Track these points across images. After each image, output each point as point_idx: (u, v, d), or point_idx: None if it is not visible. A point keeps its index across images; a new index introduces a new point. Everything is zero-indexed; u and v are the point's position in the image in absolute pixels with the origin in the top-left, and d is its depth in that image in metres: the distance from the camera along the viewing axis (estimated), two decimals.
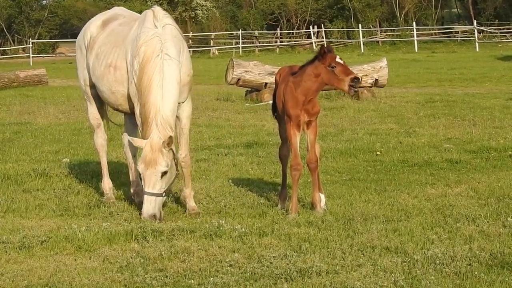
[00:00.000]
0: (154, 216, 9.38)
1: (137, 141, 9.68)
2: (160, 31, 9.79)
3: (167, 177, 9.52)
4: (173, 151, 9.53)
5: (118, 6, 11.57)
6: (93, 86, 10.70)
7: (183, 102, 9.98)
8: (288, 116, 9.39)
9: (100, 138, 11.10)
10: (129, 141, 10.05)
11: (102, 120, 11.15)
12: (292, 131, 9.39)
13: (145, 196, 9.47)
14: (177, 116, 10.01)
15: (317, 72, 9.16)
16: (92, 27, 10.84)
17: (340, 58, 9.11)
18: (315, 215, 9.31)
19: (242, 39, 68.32)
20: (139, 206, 10.12)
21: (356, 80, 8.95)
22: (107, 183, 10.93)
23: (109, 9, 11.53)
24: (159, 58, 9.60)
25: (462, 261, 7.45)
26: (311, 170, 9.57)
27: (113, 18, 10.84)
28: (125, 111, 10.46)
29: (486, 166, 12.65)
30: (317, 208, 9.54)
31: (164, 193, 9.55)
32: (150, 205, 9.42)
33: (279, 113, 9.84)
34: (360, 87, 9.19)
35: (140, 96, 9.64)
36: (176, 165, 9.67)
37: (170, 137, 9.39)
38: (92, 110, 11.04)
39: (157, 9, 10.16)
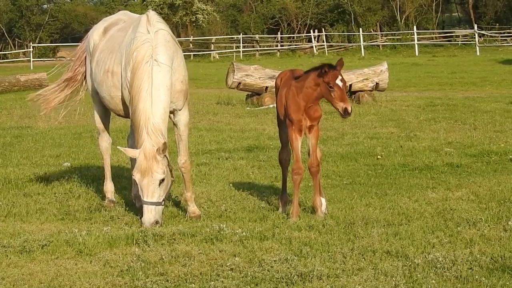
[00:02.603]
0: (156, 222, 9.31)
1: (130, 151, 9.62)
2: (152, 36, 9.70)
3: (165, 185, 9.44)
4: (167, 158, 9.47)
5: (119, 9, 11.61)
6: (96, 91, 10.70)
7: (179, 110, 9.90)
8: (290, 120, 9.40)
9: (105, 142, 11.09)
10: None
11: (107, 124, 11.14)
12: (294, 135, 9.39)
13: (145, 206, 9.38)
14: (174, 124, 10.00)
15: (317, 82, 9.18)
16: (95, 34, 10.87)
17: (342, 80, 9.05)
18: (316, 219, 9.31)
19: (242, 43, 68.33)
20: (139, 210, 10.13)
21: (346, 112, 8.98)
22: (109, 186, 10.92)
23: (110, 13, 11.55)
24: (148, 64, 9.52)
25: (463, 265, 7.44)
26: (312, 174, 9.57)
27: (114, 24, 10.84)
28: (126, 116, 10.38)
29: (487, 170, 12.65)
30: (318, 212, 9.55)
31: (163, 201, 9.48)
32: (151, 214, 9.34)
33: (279, 117, 9.84)
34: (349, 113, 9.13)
35: (131, 103, 9.60)
36: (170, 171, 9.60)
37: (164, 143, 9.31)
38: (99, 114, 11.03)
39: (152, 13, 10.08)
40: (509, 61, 43.75)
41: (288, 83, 9.57)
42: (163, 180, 9.36)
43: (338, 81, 9.03)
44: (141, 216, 9.68)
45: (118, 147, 9.91)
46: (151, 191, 9.32)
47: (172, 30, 10.33)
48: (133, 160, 10.36)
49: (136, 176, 9.37)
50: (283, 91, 9.61)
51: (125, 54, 9.85)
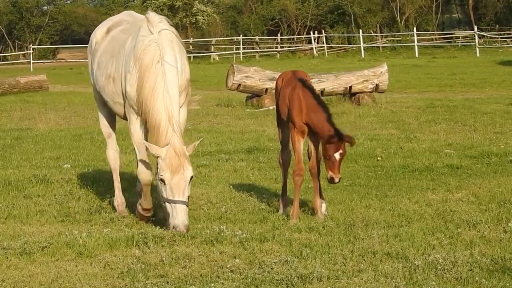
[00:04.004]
0: (187, 227, 8.97)
1: (155, 148, 9.00)
2: (156, 37, 9.45)
3: (191, 185, 9.15)
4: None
5: (119, 11, 11.39)
6: (99, 93, 10.43)
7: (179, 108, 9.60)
8: (292, 122, 9.40)
9: (112, 150, 10.69)
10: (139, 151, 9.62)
11: (113, 128, 10.76)
12: (296, 137, 9.40)
13: (177, 206, 8.93)
14: None
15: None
16: (98, 33, 10.63)
17: (341, 153, 9.08)
18: (316, 221, 9.32)
19: (242, 45, 68.34)
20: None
21: (332, 181, 9.07)
22: (119, 198, 10.47)
23: (110, 15, 11.40)
24: (159, 64, 9.27)
25: (463, 266, 7.44)
26: (312, 175, 9.57)
27: (117, 24, 10.56)
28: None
29: (487, 172, 12.65)
30: (318, 213, 9.54)
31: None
32: (185, 215, 8.95)
33: (280, 117, 9.82)
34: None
35: (142, 105, 9.25)
36: None
37: (201, 140, 9.17)
38: (103, 117, 10.70)
39: (152, 14, 9.78)
40: (509, 62, 43.75)
41: (293, 83, 9.53)
42: (191, 178, 9.08)
43: (336, 155, 9.05)
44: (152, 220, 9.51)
45: (143, 141, 9.33)
46: (182, 189, 8.94)
47: None
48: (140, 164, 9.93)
49: (165, 175, 8.91)
50: (286, 91, 9.58)
51: (125, 62, 9.57)
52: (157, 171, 9.07)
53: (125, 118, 10.13)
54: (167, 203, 9.02)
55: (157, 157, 9.04)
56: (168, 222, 9.06)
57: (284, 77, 9.91)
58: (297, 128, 9.35)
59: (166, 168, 8.93)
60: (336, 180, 9.07)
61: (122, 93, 9.70)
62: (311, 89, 9.43)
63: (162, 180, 8.98)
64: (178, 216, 8.93)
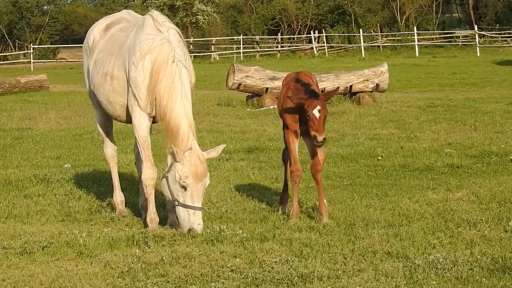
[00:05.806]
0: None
1: (180, 154, 8.76)
2: (167, 35, 9.21)
3: None
4: None
5: (119, 11, 11.21)
6: (94, 93, 10.13)
7: None
8: (285, 123, 9.40)
9: (110, 148, 10.48)
10: (139, 153, 9.46)
11: (110, 128, 10.55)
12: (290, 137, 9.38)
13: (197, 212, 8.80)
14: None
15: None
16: (95, 30, 10.33)
17: (320, 110, 8.86)
18: (316, 220, 9.30)
19: (243, 44, 68.35)
20: (144, 221, 9.94)
21: (316, 140, 8.85)
22: (118, 196, 10.34)
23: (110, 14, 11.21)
24: (175, 64, 9.02)
25: (464, 266, 7.44)
26: (314, 177, 9.44)
27: (117, 22, 10.31)
28: (124, 122, 9.98)
29: (487, 171, 12.65)
30: (324, 219, 9.27)
31: None
32: (201, 219, 8.88)
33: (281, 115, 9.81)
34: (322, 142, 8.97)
35: (157, 106, 8.98)
36: None
37: (224, 146, 9.17)
38: (99, 117, 10.43)
39: (156, 13, 9.55)
40: (510, 61, 43.76)
41: (289, 83, 9.55)
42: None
43: (315, 111, 8.88)
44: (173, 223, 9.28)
45: (172, 146, 8.87)
46: (201, 195, 8.86)
47: None
48: (140, 166, 9.74)
49: (189, 180, 8.73)
50: (283, 90, 9.62)
51: (129, 58, 9.25)
52: (176, 176, 8.81)
53: (117, 119, 9.93)
54: (181, 207, 8.86)
55: (177, 161, 8.81)
56: (181, 225, 8.89)
57: (287, 78, 9.90)
58: (290, 128, 9.34)
59: (191, 175, 8.76)
60: (320, 139, 8.82)
61: (127, 81, 9.31)
62: (303, 84, 9.37)
63: (183, 187, 8.80)
64: (197, 221, 8.81)
